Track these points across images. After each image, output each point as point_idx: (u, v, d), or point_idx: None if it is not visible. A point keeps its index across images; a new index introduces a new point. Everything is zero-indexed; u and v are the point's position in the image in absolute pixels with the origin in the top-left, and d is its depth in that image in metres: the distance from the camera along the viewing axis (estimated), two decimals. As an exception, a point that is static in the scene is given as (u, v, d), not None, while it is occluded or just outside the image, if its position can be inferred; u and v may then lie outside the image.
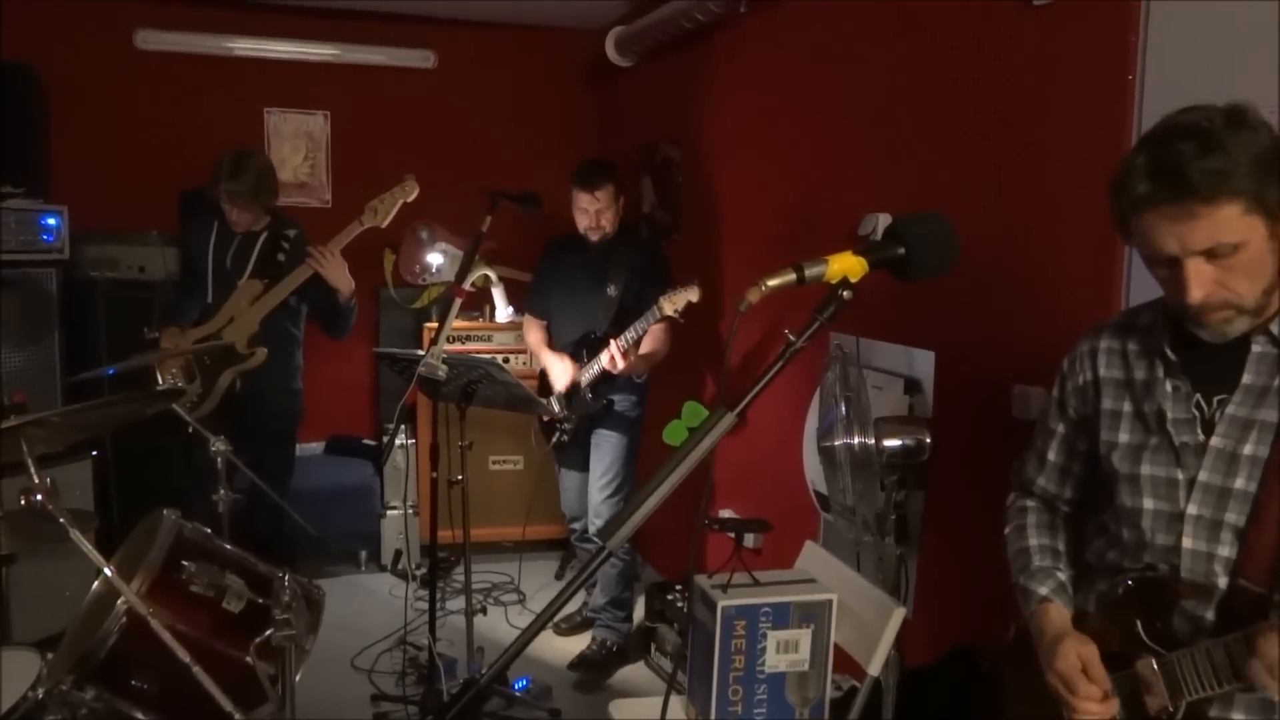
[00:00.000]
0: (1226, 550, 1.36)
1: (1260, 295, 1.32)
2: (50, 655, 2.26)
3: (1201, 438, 1.40)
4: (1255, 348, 1.36)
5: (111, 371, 3.22)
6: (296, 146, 5.14)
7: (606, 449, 3.74)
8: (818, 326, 1.15)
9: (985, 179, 2.45)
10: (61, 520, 1.97)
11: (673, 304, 3.36)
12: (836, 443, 2.45)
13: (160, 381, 3.46)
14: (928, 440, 2.51)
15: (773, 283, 1.15)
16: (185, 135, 4.80)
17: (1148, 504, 1.46)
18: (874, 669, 2.12)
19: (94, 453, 3.82)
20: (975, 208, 2.45)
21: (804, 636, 2.19)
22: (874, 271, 1.18)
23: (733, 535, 3.35)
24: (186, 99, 4.90)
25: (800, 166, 3.39)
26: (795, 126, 3.42)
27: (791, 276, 1.16)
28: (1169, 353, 1.45)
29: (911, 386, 2.68)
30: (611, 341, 3.47)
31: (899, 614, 2.14)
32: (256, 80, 5.02)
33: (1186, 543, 1.40)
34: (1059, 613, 1.59)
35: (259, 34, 4.96)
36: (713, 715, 2.17)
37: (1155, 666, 1.40)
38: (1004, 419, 2.33)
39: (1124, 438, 1.51)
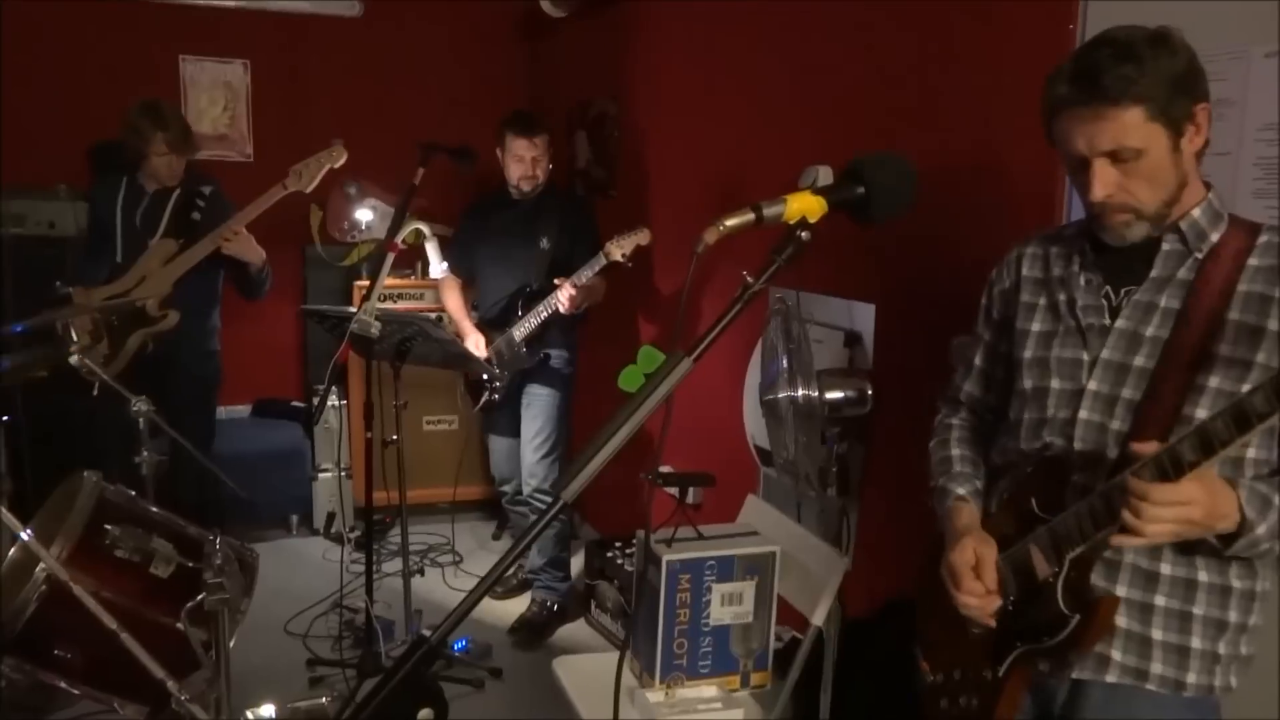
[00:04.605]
0: (1118, 424, 1.43)
1: (1160, 205, 1.40)
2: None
3: (1108, 321, 1.48)
4: (1165, 245, 1.44)
5: (19, 329, 3.04)
6: (214, 97, 4.93)
7: (539, 408, 3.67)
8: (776, 268, 1.13)
9: (925, 132, 2.45)
10: (-27, 484, 1.86)
11: (620, 248, 3.34)
12: (780, 395, 2.45)
13: (75, 339, 3.30)
14: (869, 392, 2.53)
15: (730, 223, 1.13)
16: (95, 84, 4.57)
17: (1054, 384, 1.53)
18: (817, 619, 2.14)
19: (4, 417, 3.64)
20: (915, 161, 2.44)
21: (748, 589, 2.20)
22: (833, 213, 1.16)
23: (676, 491, 3.34)
24: (95, 45, 4.64)
25: (739, 120, 3.36)
26: (734, 79, 3.38)
27: (750, 216, 1.13)
28: (1087, 250, 1.54)
29: (851, 339, 2.69)
30: (565, 282, 3.40)
31: (842, 565, 2.16)
32: (169, 26, 4.78)
33: (1083, 414, 1.47)
34: (970, 512, 1.65)
35: (171, -24, 4.72)
36: (657, 669, 2.17)
37: (1043, 531, 1.46)
38: (944, 370, 2.34)
39: (1036, 326, 1.59)
